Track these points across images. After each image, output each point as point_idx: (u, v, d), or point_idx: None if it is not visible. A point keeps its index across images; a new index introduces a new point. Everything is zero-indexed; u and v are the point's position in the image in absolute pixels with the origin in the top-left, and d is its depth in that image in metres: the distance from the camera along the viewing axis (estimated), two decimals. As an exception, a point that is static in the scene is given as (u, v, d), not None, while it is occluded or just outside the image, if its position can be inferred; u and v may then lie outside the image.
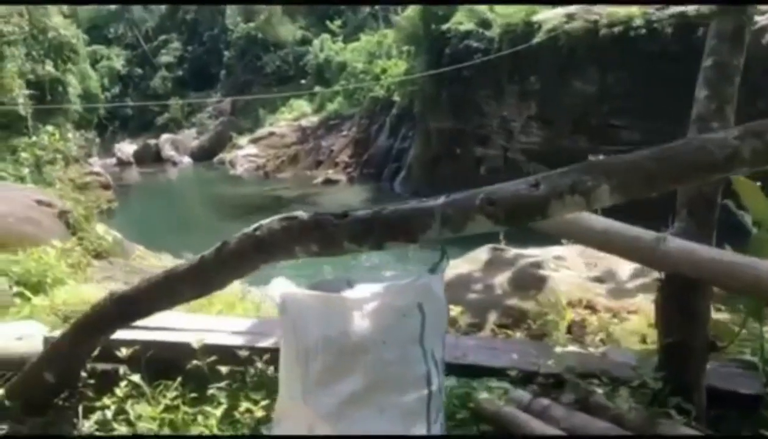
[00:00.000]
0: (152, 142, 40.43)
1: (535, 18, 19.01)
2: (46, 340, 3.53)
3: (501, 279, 4.86)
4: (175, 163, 39.59)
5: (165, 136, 40.82)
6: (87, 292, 4.87)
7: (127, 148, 40.58)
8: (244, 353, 3.44)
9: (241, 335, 3.71)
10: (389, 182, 27.09)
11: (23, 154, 15.00)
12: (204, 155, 39.11)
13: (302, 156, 33.40)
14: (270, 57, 41.61)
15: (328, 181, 29.67)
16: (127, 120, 43.89)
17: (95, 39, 43.45)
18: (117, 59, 45.76)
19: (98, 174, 24.36)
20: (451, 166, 21.79)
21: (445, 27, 20.47)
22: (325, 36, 38.53)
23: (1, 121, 14.73)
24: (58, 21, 16.48)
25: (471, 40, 19.95)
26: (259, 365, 3.42)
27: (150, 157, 39.66)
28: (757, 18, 15.10)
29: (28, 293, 4.79)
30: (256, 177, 33.62)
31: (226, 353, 3.49)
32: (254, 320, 4.11)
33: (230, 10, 45.74)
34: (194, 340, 3.38)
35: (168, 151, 39.94)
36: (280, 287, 2.72)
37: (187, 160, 39.82)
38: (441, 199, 2.51)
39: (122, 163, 39.31)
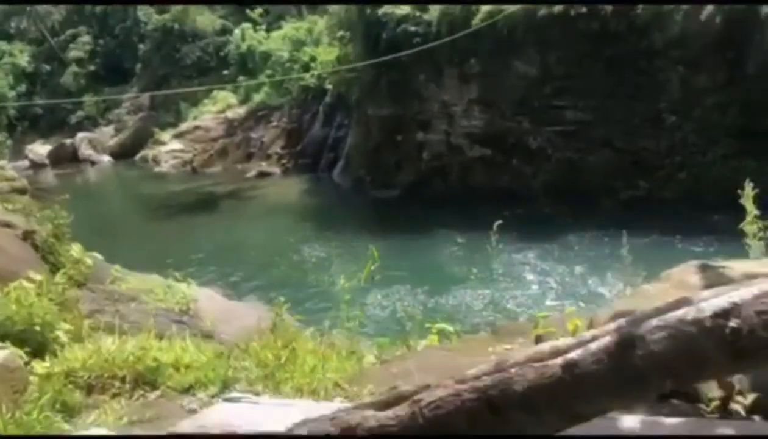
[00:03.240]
0: (67, 141, 38.40)
1: (473, 0, 18.86)
2: None
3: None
4: (93, 163, 37.74)
5: (81, 135, 38.80)
6: (103, 346, 3.78)
7: (39, 149, 38.34)
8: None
9: None
10: (327, 172, 26.56)
11: (-65, 161, 13.62)
12: (124, 153, 37.48)
13: (231, 149, 32.39)
14: (189, 48, 40.00)
15: (262, 174, 28.85)
16: (37, 119, 41.37)
17: (-5, 35, 40.77)
18: (21, 55, 43.01)
19: (12, 179, 22.78)
20: (392, 153, 21.52)
21: (380, 11, 20.03)
22: (246, 25, 37.39)
23: None
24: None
25: (408, 24, 19.62)
26: None
27: (66, 158, 37.68)
28: (694, -6, 15.46)
29: (22, 354, 3.70)
30: (183, 173, 32.39)
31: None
32: None
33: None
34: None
35: (85, 151, 38.00)
36: None
37: (106, 158, 38.04)
38: None
39: (35, 165, 37.17)
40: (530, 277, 15.18)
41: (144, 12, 43.26)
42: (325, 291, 16.61)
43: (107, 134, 39.52)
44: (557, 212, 18.19)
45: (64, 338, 4.02)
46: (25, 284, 4.41)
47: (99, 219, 27.47)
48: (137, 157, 36.56)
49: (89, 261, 5.91)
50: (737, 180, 17.49)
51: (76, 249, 5.87)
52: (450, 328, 4.37)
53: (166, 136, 35.75)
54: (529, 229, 17.82)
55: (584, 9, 16.64)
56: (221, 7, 41.53)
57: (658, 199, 16.93)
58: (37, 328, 4.00)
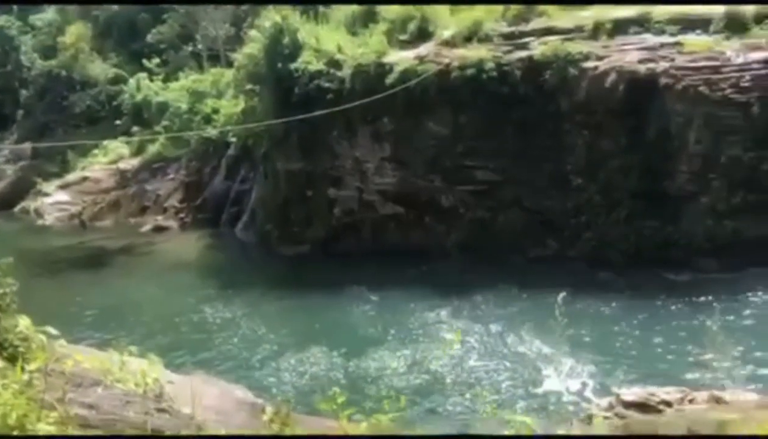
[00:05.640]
0: (-64, 191, 35.07)
1: (386, 60, 19.06)
2: None
3: None
4: (-34, 214, 34.63)
5: (-49, 184, 35.65)
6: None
7: None
8: None
9: None
10: (229, 227, 25.60)
11: None
12: (2, 204, 34.65)
13: (124, 202, 30.70)
14: (78, 96, 38.16)
15: (158, 229, 27.44)
16: None
17: None
18: None
19: None
20: (302, 208, 21.04)
21: (293, 66, 19.81)
22: (142, 75, 36.16)
23: None
24: None
25: (321, 80, 19.50)
26: None
27: (-67, 209, 34.37)
28: (597, 63, 16.34)
29: None
30: (70, 227, 30.27)
31: None
32: None
33: (26, 46, 41.63)
34: None
35: (-45, 201, 34.87)
36: None
37: (-20, 210, 35.02)
38: None
39: None
40: (449, 336, 14.99)
41: (28, 57, 41.09)
42: (235, 354, 15.70)
43: (-18, 184, 36.55)
44: (469, 270, 18.31)
45: None
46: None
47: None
48: (17, 208, 33.94)
49: (43, 338, 4.81)
50: (640, 240, 18.24)
51: (24, 323, 4.76)
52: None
53: (50, 187, 33.44)
54: (441, 286, 17.81)
55: (495, 73, 17.17)
56: (115, 56, 40.12)
57: (565, 258, 17.40)
58: (15, 432, 3.06)
